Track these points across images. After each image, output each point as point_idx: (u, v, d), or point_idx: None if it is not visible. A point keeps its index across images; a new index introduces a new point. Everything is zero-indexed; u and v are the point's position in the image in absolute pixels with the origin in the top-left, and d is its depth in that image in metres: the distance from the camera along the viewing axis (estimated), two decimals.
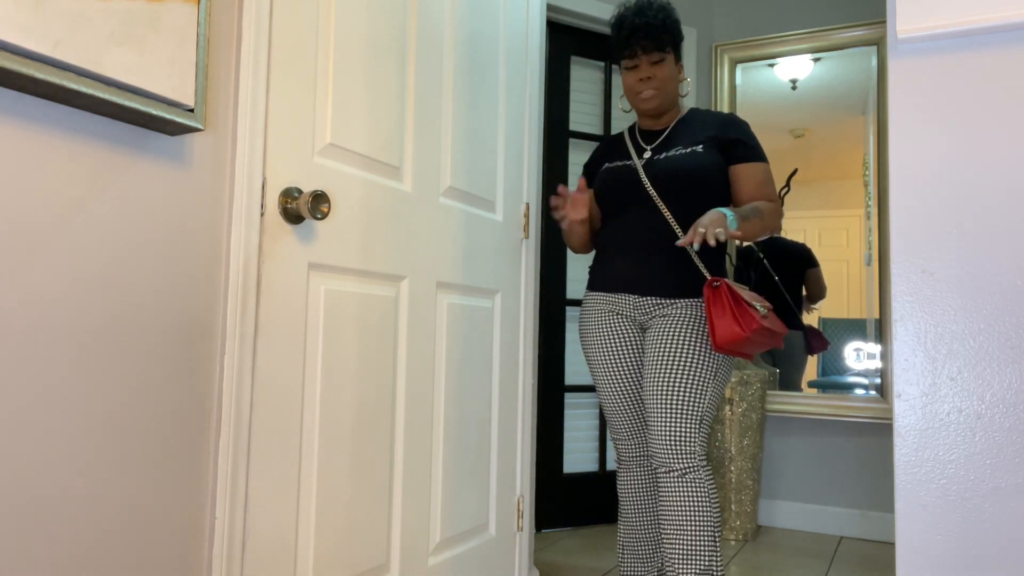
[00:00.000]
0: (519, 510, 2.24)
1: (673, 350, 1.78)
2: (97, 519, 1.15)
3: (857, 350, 3.19)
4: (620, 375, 1.92)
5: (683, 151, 1.88)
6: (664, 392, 1.76)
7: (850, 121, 3.25)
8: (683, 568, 1.72)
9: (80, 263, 1.13)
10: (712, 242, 1.61)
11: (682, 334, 1.79)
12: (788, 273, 3.30)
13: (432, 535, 1.86)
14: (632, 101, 1.95)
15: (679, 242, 1.66)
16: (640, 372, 1.91)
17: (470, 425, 2.01)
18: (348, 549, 1.60)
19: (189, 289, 1.30)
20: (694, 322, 1.80)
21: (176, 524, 1.27)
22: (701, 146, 1.87)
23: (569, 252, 3.29)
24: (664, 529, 1.76)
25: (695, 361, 1.77)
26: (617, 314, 1.92)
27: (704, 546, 1.72)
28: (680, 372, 1.76)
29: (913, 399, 1.00)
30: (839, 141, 3.27)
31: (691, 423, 1.75)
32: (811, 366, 3.29)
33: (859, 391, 3.17)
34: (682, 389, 1.75)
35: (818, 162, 3.29)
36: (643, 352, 1.89)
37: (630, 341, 1.91)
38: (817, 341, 3.22)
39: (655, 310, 1.85)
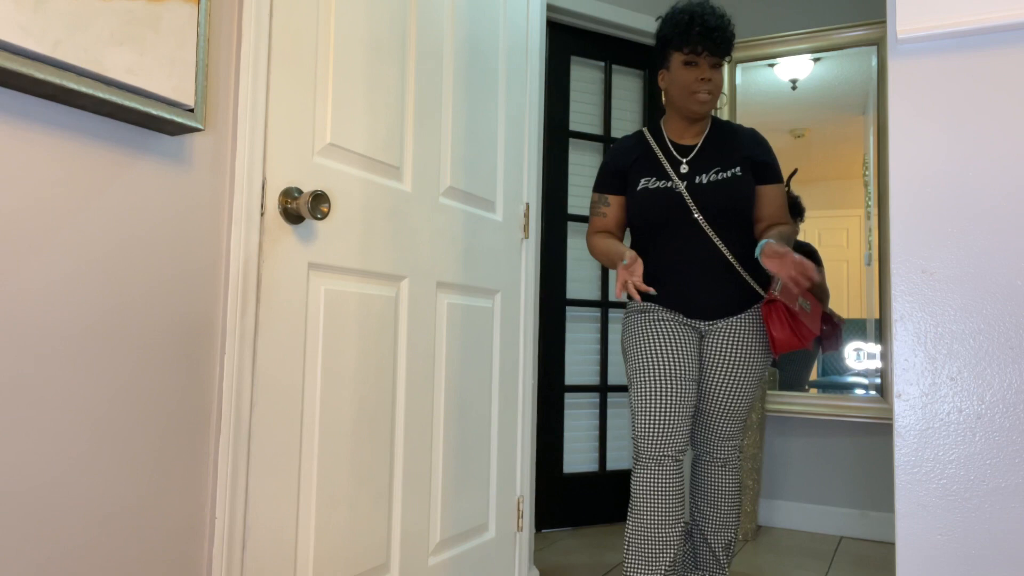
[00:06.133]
0: (519, 510, 2.24)
1: (737, 361, 1.99)
2: (96, 518, 1.15)
3: (857, 350, 3.19)
4: (681, 377, 1.94)
5: (725, 175, 1.95)
6: (729, 401, 2.01)
7: (850, 121, 3.25)
8: (730, 534, 2.12)
9: (80, 263, 1.13)
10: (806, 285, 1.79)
11: (743, 345, 1.98)
12: None
13: (432, 535, 1.86)
14: (684, 99, 1.95)
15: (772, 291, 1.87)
16: (696, 374, 1.99)
17: (470, 425, 2.01)
18: (348, 549, 1.60)
19: (189, 289, 1.30)
20: (753, 332, 1.99)
21: (176, 524, 1.27)
22: (739, 168, 1.96)
23: (569, 252, 3.30)
24: (702, 503, 2.10)
25: (752, 371, 2.00)
26: (676, 321, 1.98)
27: (738, 516, 2.14)
28: (742, 382, 2.00)
29: (913, 399, 1.00)
30: (839, 141, 3.26)
31: (743, 424, 2.08)
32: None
33: (859, 391, 3.17)
34: (743, 398, 2.02)
35: (818, 162, 3.29)
36: (702, 356, 2.02)
37: (692, 346, 1.98)
38: (829, 326, 3.18)
39: (718, 322, 2.00)
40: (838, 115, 3.27)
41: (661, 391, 1.93)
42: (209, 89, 1.34)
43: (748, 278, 1.98)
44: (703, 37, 1.89)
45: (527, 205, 2.31)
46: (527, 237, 2.30)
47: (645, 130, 2.09)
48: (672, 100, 2.00)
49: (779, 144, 3.34)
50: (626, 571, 1.99)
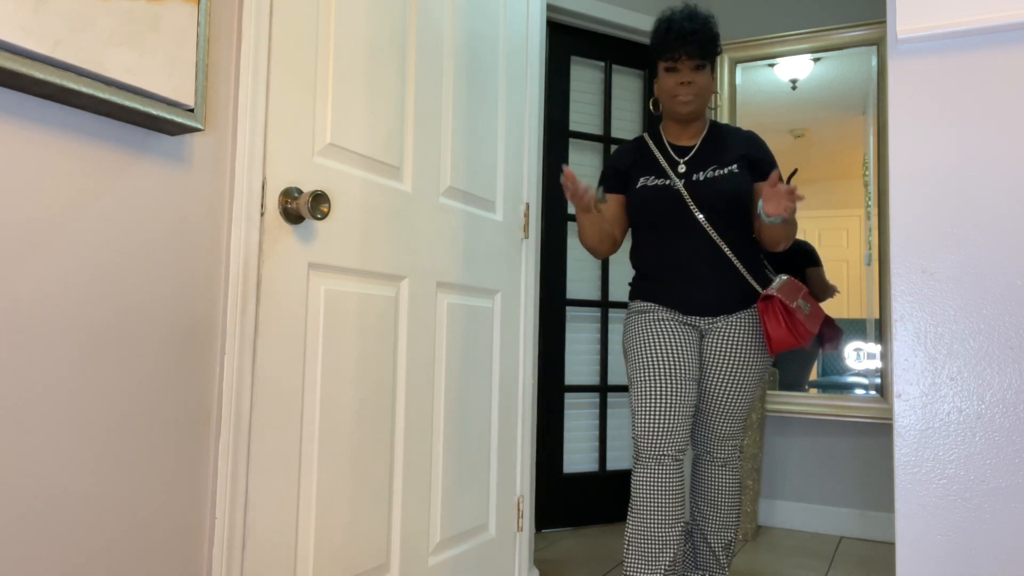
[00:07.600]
0: (519, 510, 2.24)
1: (736, 360, 1.99)
2: (97, 519, 1.15)
3: (857, 350, 3.19)
4: (682, 376, 1.95)
5: (721, 172, 1.98)
6: (729, 400, 2.02)
7: (850, 121, 3.25)
8: (730, 534, 2.12)
9: (80, 263, 1.13)
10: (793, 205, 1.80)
11: (743, 344, 1.99)
12: (786, 272, 3.29)
13: (432, 535, 1.86)
14: (668, 104, 2.01)
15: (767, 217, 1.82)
16: (696, 373, 1.99)
17: (470, 425, 2.01)
18: (348, 549, 1.60)
19: (189, 289, 1.30)
20: (753, 332, 2.00)
21: (176, 524, 1.27)
22: (736, 166, 1.99)
23: (569, 252, 3.29)
24: (702, 503, 2.10)
25: (752, 371, 2.01)
26: (676, 321, 1.99)
27: (738, 516, 2.14)
28: (742, 381, 2.01)
29: (913, 399, 1.00)
30: (839, 141, 3.26)
31: (743, 424, 2.08)
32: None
33: (859, 391, 3.17)
34: (742, 398, 2.03)
35: (818, 162, 3.29)
36: (703, 356, 2.03)
37: (693, 346, 1.99)
38: (830, 329, 3.16)
39: (718, 320, 2.00)
40: (838, 115, 3.27)
41: (661, 390, 1.93)
42: (209, 89, 1.34)
43: (747, 275, 1.99)
44: (680, 42, 1.93)
45: (527, 205, 2.31)
46: (527, 237, 2.30)
47: (645, 135, 2.13)
48: (663, 106, 2.06)
49: (779, 144, 3.34)
50: (626, 571, 1.99)
